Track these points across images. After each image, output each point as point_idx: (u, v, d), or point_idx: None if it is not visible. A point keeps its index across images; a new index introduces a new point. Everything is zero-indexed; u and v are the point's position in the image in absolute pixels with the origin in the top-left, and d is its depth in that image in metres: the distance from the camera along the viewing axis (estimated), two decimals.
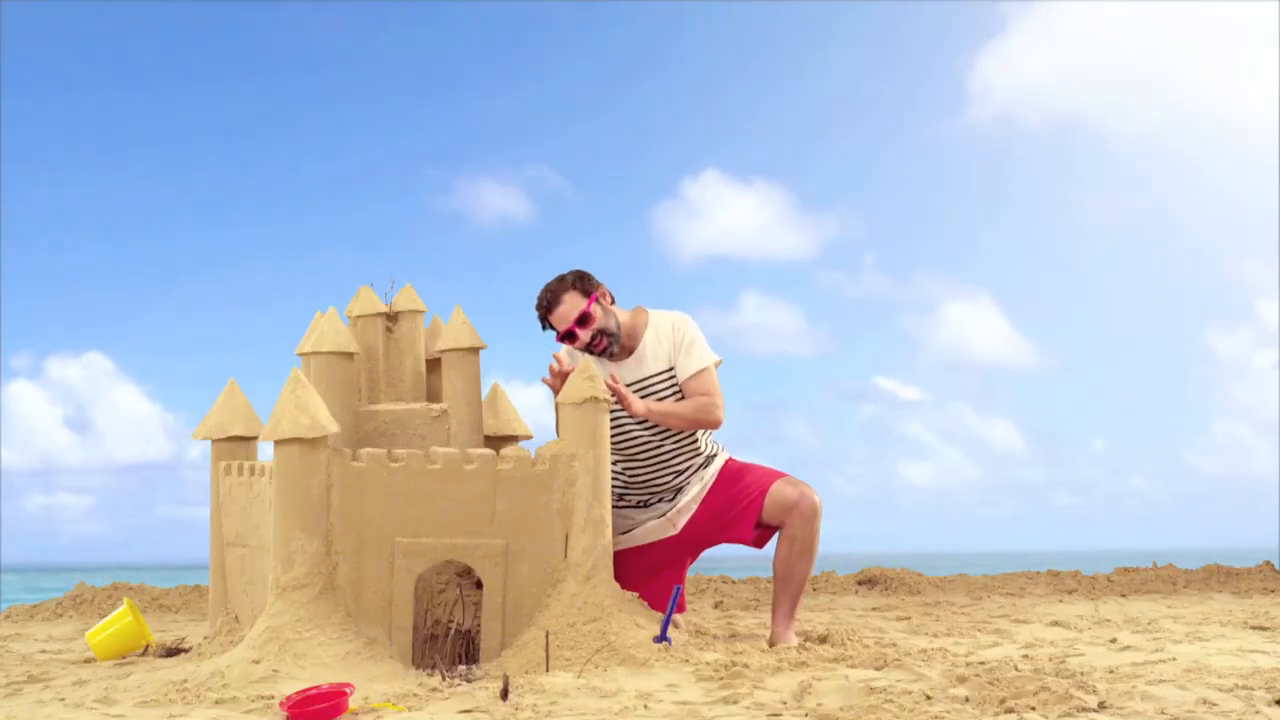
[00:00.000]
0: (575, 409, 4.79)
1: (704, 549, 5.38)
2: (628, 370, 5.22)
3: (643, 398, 5.19)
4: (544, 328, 5.25)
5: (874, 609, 7.12)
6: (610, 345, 5.16)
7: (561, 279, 5.18)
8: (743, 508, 5.19)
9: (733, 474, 5.28)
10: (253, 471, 4.99)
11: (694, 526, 5.27)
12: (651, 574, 5.27)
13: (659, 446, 5.24)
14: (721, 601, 7.36)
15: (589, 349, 5.17)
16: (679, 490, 5.29)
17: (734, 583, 8.35)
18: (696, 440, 5.28)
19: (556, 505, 4.74)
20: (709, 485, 5.28)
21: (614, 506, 5.19)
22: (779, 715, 3.71)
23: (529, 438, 5.52)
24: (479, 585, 4.71)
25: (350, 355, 5.00)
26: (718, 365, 5.24)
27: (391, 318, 5.24)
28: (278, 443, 4.55)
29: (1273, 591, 8.09)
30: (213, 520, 5.31)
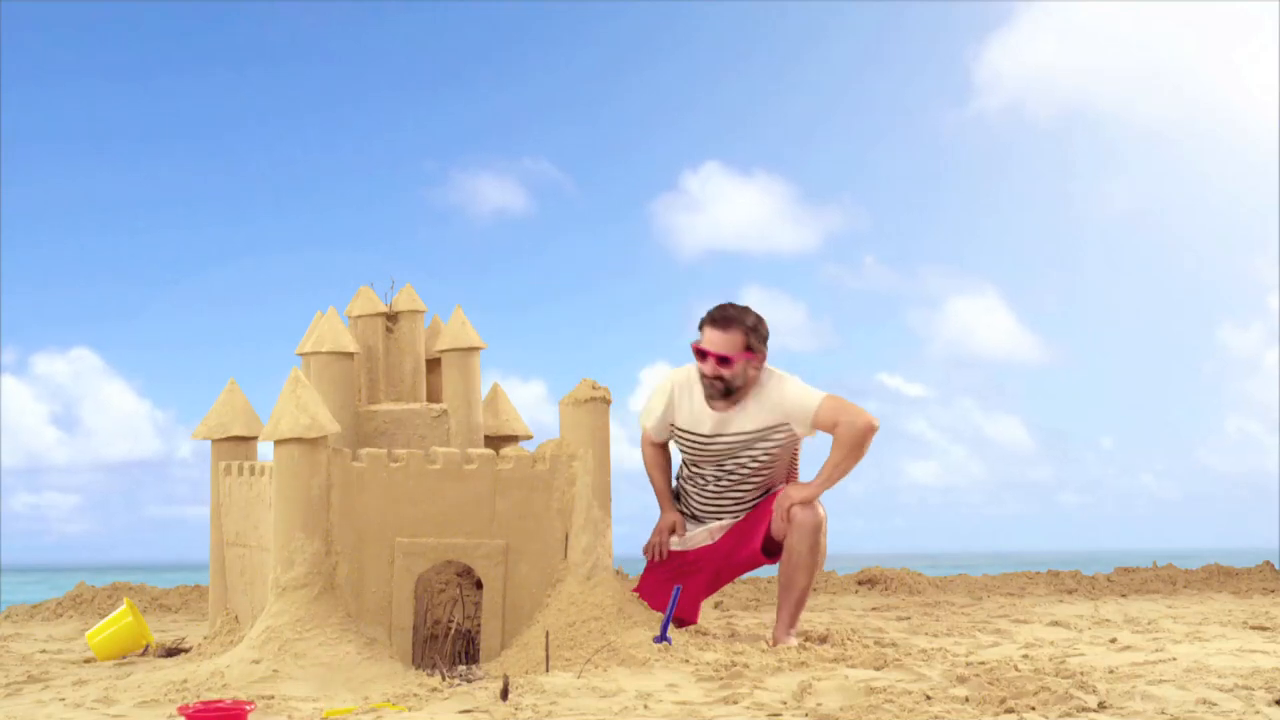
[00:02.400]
0: (576, 408, 4.79)
1: (732, 571, 5.33)
2: (720, 420, 5.13)
3: (714, 450, 5.16)
4: (699, 327, 5.12)
5: (874, 609, 7.12)
6: (719, 393, 5.08)
7: (745, 315, 5.07)
8: (758, 517, 5.18)
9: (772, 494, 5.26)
10: (253, 471, 5.00)
11: (727, 539, 5.25)
12: (680, 577, 5.24)
13: (735, 489, 5.24)
14: (721, 601, 7.35)
15: (704, 378, 5.08)
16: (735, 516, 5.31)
17: (734, 582, 8.34)
18: (769, 488, 5.26)
19: (556, 505, 4.74)
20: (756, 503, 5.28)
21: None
22: (779, 715, 3.71)
23: (529, 438, 5.52)
24: (479, 585, 4.72)
25: (350, 355, 5.01)
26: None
27: (391, 318, 5.24)
28: (278, 443, 4.55)
29: (1273, 591, 8.08)
30: (213, 520, 5.32)
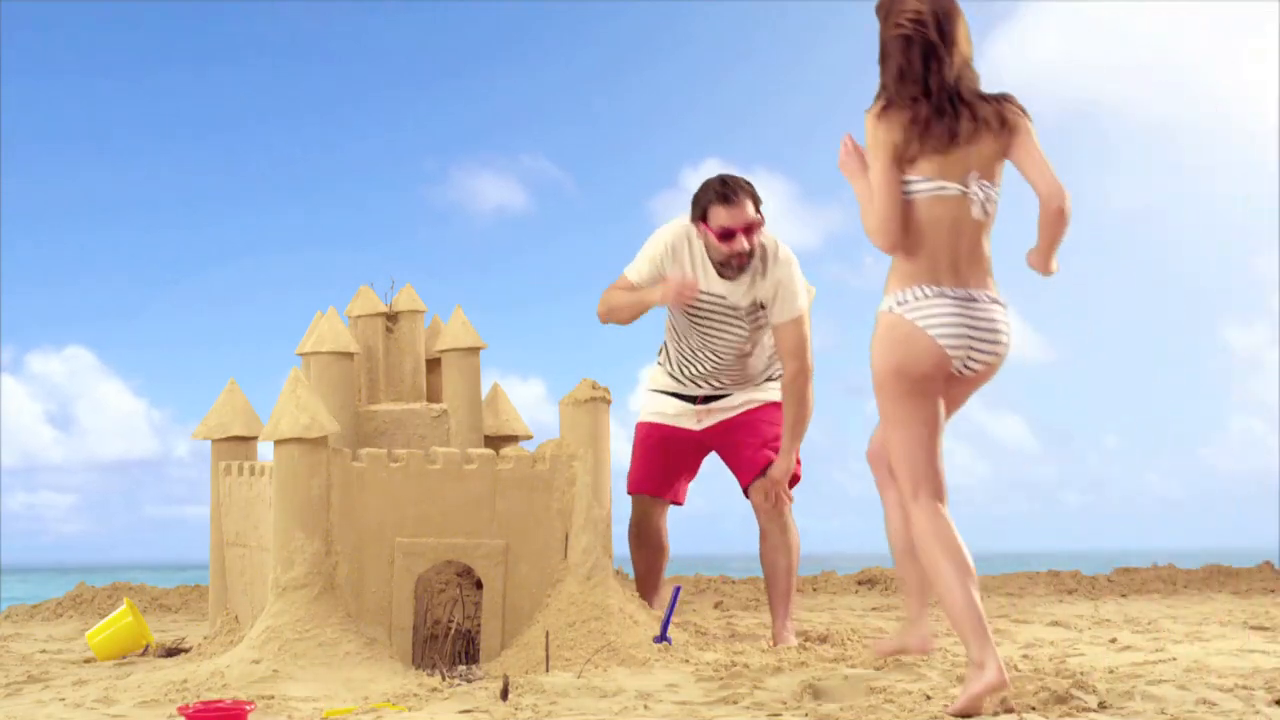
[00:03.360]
0: (576, 408, 4.79)
1: (709, 453, 5.37)
2: (729, 287, 5.01)
3: (713, 313, 5.07)
4: (705, 210, 4.90)
5: (874, 609, 7.11)
6: (745, 265, 4.96)
7: (740, 182, 4.91)
8: (746, 460, 5.20)
9: (769, 420, 5.22)
10: (253, 471, 5.00)
11: (712, 433, 5.28)
12: (658, 450, 5.31)
13: (742, 350, 5.17)
14: (721, 601, 7.35)
15: (728, 259, 4.93)
16: (724, 396, 5.28)
17: (734, 583, 8.34)
18: (769, 362, 5.25)
19: (556, 505, 4.74)
20: (748, 408, 5.26)
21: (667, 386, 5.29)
22: (779, 715, 3.71)
23: (529, 438, 5.52)
24: (479, 585, 4.72)
25: (350, 355, 5.01)
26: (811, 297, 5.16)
27: (391, 318, 5.24)
28: (278, 443, 4.55)
29: (1273, 591, 8.08)
30: (213, 520, 5.32)
